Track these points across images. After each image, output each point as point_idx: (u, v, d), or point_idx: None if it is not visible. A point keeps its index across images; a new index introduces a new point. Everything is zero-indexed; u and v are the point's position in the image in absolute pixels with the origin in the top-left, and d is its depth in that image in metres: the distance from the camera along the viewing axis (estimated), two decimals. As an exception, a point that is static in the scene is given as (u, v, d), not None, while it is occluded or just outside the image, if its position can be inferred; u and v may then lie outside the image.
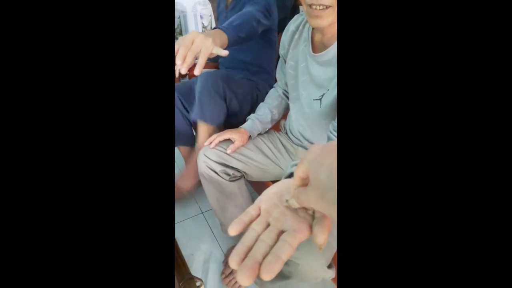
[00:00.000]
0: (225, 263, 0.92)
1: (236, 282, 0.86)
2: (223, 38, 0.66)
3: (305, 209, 0.28)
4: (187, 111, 1.07)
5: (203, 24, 1.77)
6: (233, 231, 0.27)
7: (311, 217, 0.27)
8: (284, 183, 0.32)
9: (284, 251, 0.24)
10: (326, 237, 0.24)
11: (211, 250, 1.00)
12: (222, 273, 0.89)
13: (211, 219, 1.12)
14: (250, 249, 0.25)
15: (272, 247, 0.24)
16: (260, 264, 0.23)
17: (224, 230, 0.90)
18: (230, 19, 0.76)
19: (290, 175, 0.39)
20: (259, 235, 0.26)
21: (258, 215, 0.28)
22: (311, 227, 0.26)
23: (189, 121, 1.08)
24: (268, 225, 0.27)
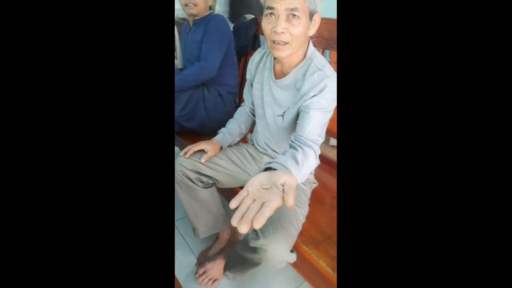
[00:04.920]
0: (198, 264, 1.00)
1: (209, 280, 0.94)
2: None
3: (277, 187, 0.42)
4: None
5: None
6: (233, 205, 0.41)
7: (282, 192, 0.41)
8: (263, 175, 0.46)
9: (266, 211, 0.37)
10: (293, 201, 0.38)
11: (184, 255, 1.06)
12: (196, 273, 0.97)
13: (182, 228, 1.18)
14: (243, 214, 0.37)
15: (258, 211, 0.37)
16: (252, 220, 0.36)
17: (197, 235, 0.97)
18: None
19: (265, 170, 0.52)
20: (249, 206, 0.39)
21: (247, 195, 0.42)
22: (282, 198, 0.39)
23: None
24: (254, 200, 0.40)
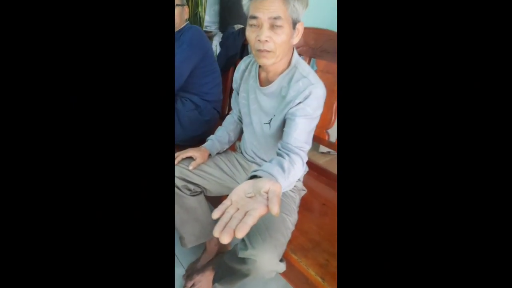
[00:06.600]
0: (186, 276, 0.97)
1: (197, 293, 0.92)
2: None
3: (261, 195, 0.41)
4: None
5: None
6: (215, 215, 0.39)
7: (266, 199, 0.40)
8: (247, 183, 0.46)
9: (250, 220, 0.36)
10: (278, 208, 0.37)
11: (171, 267, 1.04)
12: (184, 286, 0.94)
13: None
14: (226, 224, 0.37)
15: (241, 220, 0.37)
16: (234, 230, 0.35)
17: (184, 244, 0.95)
18: None
19: (250, 178, 0.51)
20: (232, 216, 0.38)
21: (230, 204, 0.41)
22: (267, 206, 0.39)
23: None
24: (238, 209, 0.40)
